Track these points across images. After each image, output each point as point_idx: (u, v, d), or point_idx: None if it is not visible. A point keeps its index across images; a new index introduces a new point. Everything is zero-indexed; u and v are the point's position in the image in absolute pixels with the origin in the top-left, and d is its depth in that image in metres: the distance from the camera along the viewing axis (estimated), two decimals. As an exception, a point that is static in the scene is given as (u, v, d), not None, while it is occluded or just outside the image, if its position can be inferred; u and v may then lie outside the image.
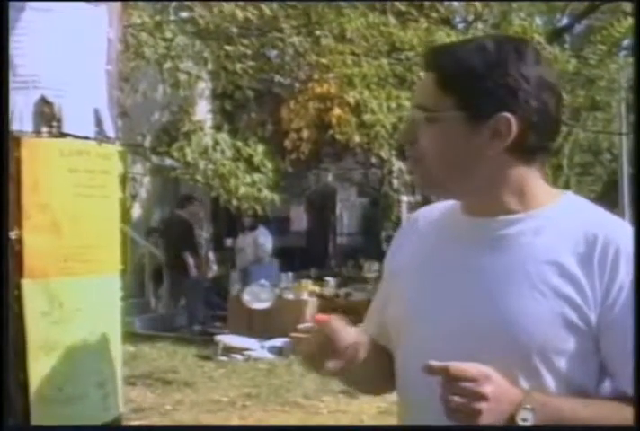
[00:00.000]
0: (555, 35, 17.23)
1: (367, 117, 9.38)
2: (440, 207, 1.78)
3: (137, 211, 14.14)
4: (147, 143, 11.71)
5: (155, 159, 11.37)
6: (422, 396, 1.60)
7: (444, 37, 10.06)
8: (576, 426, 1.40)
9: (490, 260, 1.59)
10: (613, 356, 1.53)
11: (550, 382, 1.52)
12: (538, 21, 14.40)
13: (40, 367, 1.62)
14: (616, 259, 1.51)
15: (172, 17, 8.68)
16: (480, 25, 12.45)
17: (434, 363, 1.43)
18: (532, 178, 1.61)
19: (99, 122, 1.74)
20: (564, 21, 19.63)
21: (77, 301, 1.68)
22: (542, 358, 1.52)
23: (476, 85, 1.54)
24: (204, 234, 15.56)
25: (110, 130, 1.77)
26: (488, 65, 1.54)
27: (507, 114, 1.53)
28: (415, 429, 1.45)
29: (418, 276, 1.70)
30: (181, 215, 12.42)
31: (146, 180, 13.91)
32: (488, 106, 1.54)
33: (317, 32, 9.06)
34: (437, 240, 1.71)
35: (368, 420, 6.74)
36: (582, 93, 15.08)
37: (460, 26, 14.06)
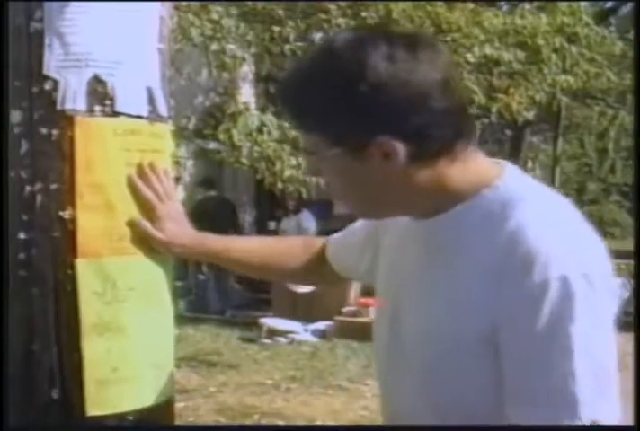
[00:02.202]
0: (601, 17, 17.01)
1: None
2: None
3: (180, 194, 14.18)
4: (191, 126, 11.73)
5: (199, 142, 11.39)
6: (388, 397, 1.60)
7: (491, 17, 9.97)
8: (576, 427, 1.34)
9: (416, 264, 1.49)
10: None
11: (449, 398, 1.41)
12: (584, 2, 14.17)
13: (93, 348, 1.62)
14: (522, 262, 1.29)
15: (217, -1, 8.68)
16: (527, 6, 12.29)
17: None
18: (454, 172, 1.40)
19: (151, 100, 1.73)
20: (610, 3, 19.41)
21: (130, 281, 1.67)
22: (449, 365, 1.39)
23: (333, 119, 1.35)
24: (247, 218, 15.61)
25: (162, 109, 1.76)
26: (332, 94, 1.33)
27: (383, 138, 1.33)
28: (416, 429, 1.42)
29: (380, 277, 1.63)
30: (219, 195, 12.36)
31: (190, 163, 13.94)
32: (358, 136, 1.34)
33: (363, 14, 8.99)
34: (397, 248, 1.58)
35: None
36: (628, 76, 14.89)
37: (506, 8, 13.92)
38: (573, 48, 10.99)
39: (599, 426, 1.30)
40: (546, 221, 1.34)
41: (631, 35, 16.63)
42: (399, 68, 1.31)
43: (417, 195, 1.41)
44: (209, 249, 1.87)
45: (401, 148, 1.34)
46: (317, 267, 1.88)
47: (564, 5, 11.45)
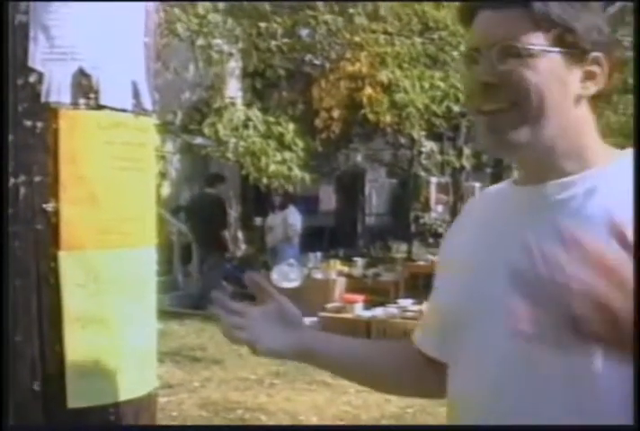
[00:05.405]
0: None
1: (399, 96, 9.33)
2: (494, 188, 1.60)
3: (166, 189, 14.17)
4: (178, 121, 11.72)
5: (185, 137, 11.39)
6: (479, 397, 1.42)
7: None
8: (575, 426, 1.32)
9: (540, 229, 1.39)
10: None
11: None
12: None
13: (76, 340, 1.62)
14: None
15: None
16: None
17: None
18: (593, 132, 1.43)
19: (136, 94, 1.73)
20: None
21: (113, 274, 1.67)
22: (581, 337, 1.30)
23: (579, 17, 1.36)
24: (233, 213, 15.60)
25: (147, 103, 1.76)
26: None
27: (601, 54, 1.37)
28: (417, 429, 1.42)
29: (472, 256, 1.49)
30: (213, 193, 12.35)
31: (175, 158, 13.93)
32: (586, 42, 1.36)
33: (351, 10, 9.01)
34: (489, 217, 1.52)
35: (395, 400, 6.73)
36: (615, 76, 14.95)
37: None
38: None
39: (599, 426, 1.28)
40: None
41: (619, 34, 16.67)
42: None
43: (569, 135, 1.40)
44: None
45: (606, 70, 1.38)
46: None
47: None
